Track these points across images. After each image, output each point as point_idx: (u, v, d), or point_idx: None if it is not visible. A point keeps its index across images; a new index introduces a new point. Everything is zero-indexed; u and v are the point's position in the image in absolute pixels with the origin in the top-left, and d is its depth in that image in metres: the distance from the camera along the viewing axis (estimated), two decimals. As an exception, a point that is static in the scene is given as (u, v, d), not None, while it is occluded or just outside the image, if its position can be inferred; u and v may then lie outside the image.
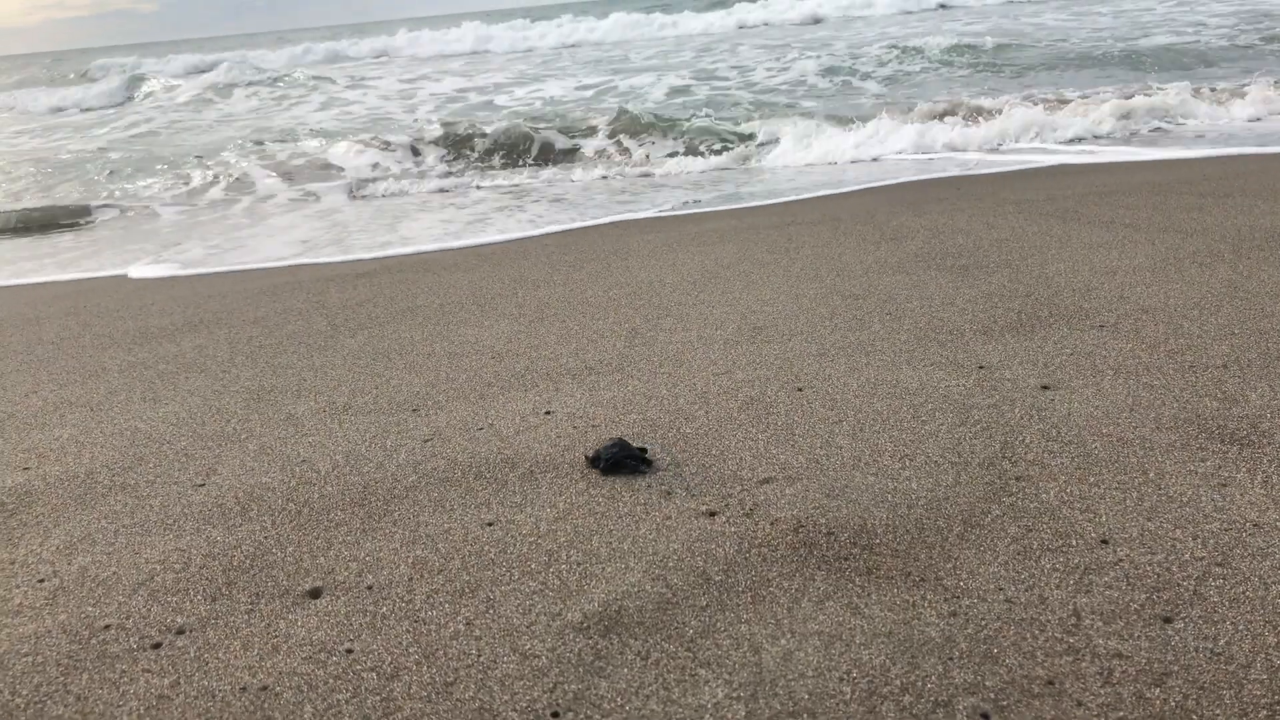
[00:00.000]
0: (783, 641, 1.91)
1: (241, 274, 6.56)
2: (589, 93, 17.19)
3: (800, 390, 3.21)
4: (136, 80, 25.58)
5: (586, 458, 2.78)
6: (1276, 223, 4.79)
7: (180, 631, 2.12)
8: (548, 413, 3.21)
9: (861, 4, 32.65)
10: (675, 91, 15.93)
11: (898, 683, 1.77)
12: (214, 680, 1.94)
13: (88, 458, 3.19)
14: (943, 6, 30.44)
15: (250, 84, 22.86)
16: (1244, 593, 1.95)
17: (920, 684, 1.76)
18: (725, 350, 3.72)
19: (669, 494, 2.56)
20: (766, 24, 32.07)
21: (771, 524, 2.35)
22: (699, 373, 3.48)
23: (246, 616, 2.16)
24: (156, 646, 2.08)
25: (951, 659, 1.82)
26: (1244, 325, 3.43)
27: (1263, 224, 4.79)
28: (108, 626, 2.17)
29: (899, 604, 2.00)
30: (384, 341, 4.33)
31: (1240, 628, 1.84)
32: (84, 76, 31.80)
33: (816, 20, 31.89)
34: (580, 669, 1.88)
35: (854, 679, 1.79)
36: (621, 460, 2.71)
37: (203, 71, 28.04)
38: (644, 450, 2.78)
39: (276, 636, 2.08)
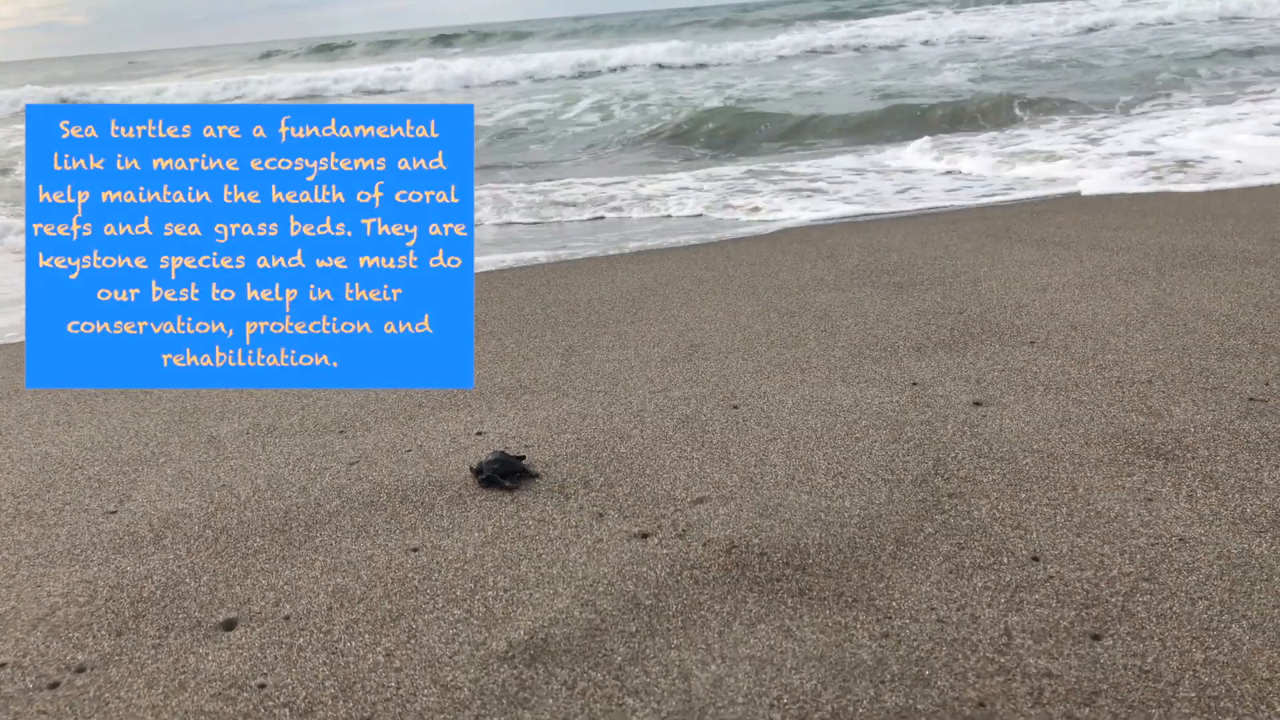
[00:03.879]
0: (713, 667, 1.87)
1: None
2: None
3: (736, 408, 3.18)
4: None
5: (470, 468, 2.79)
6: (1196, 241, 4.91)
7: (80, 670, 2.01)
8: (479, 433, 3.14)
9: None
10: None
11: (829, 708, 1.74)
12: (115, 721, 1.83)
13: (-8, 484, 3.03)
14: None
15: None
16: (1171, 609, 1.95)
17: (851, 709, 1.73)
18: (662, 368, 3.68)
19: (601, 515, 2.51)
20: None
21: (704, 545, 2.30)
22: (635, 391, 3.44)
23: (153, 652, 2.05)
24: (54, 686, 1.96)
25: (883, 682, 1.79)
26: (1168, 341, 3.49)
27: (1183, 242, 4.91)
28: (2, 665, 2.04)
29: (831, 626, 1.97)
30: (313, 360, 4.21)
31: (1168, 644, 1.85)
32: None
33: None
34: (504, 700, 1.82)
35: (784, 705, 1.75)
36: (493, 479, 2.71)
37: None
38: (522, 459, 2.79)
39: (184, 673, 1.97)
